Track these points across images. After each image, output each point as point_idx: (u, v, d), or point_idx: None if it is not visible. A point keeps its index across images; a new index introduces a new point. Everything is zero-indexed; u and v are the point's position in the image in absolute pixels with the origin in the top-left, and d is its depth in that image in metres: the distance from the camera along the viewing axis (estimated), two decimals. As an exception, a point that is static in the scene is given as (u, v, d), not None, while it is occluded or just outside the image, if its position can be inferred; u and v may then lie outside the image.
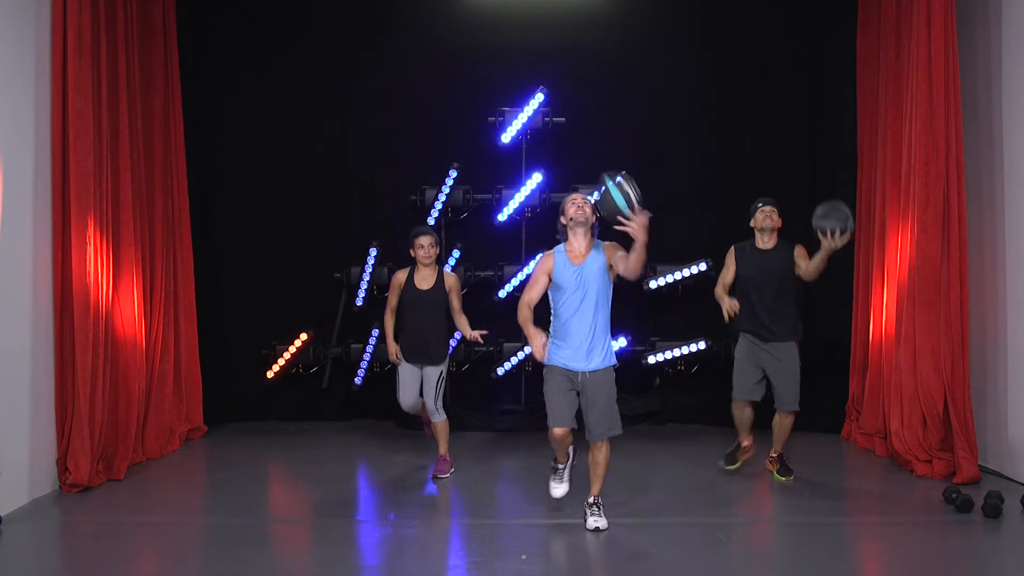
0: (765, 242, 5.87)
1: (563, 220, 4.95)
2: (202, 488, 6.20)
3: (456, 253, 7.79)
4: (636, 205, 4.68)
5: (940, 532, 4.92)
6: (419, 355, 6.02)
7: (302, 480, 6.12)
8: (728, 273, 5.96)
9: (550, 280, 4.88)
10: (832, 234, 5.44)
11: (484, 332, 6.07)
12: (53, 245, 5.70)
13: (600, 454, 4.93)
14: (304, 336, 7.80)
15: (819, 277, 5.75)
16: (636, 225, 4.64)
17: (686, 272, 7.73)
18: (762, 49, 7.94)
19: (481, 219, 7.96)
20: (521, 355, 7.74)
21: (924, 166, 5.94)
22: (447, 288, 6.06)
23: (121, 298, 6.28)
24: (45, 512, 5.34)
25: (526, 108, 7.73)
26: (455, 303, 6.09)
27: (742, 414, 5.96)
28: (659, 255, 7.78)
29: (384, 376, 7.85)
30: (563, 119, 7.80)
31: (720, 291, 5.96)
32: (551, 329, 4.95)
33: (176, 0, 7.22)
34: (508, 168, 7.94)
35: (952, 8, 5.92)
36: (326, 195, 8.03)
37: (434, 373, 6.03)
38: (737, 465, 6.05)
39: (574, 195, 5.02)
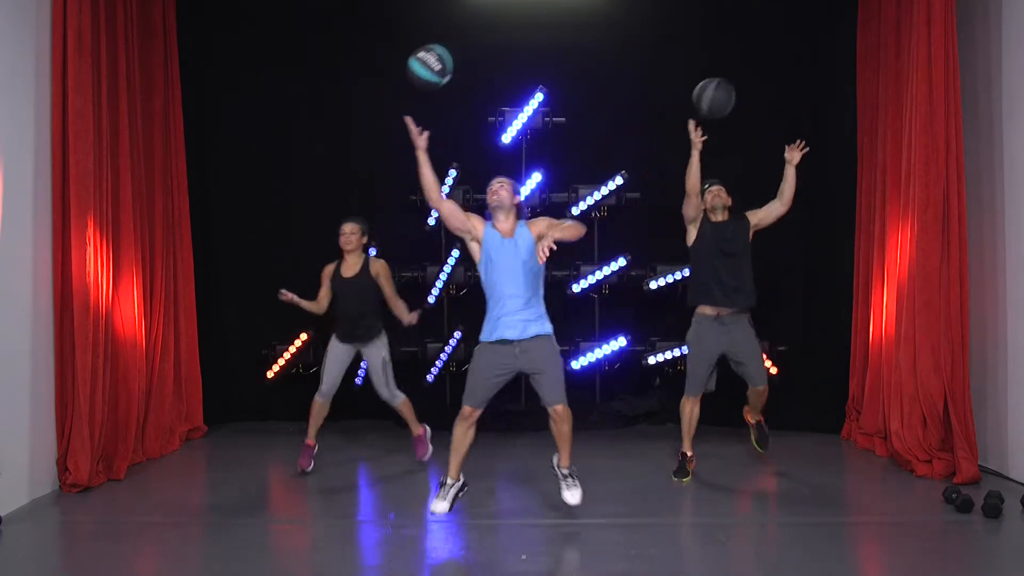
0: (718, 217, 5.92)
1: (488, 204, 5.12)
2: (202, 488, 6.20)
3: (456, 252, 7.79)
4: (442, 68, 4.91)
5: (940, 532, 4.92)
6: (350, 336, 6.21)
7: (302, 480, 6.11)
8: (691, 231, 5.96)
9: (478, 244, 5.00)
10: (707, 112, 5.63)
11: (418, 311, 6.37)
12: (53, 245, 5.70)
13: (564, 424, 4.91)
14: (304, 336, 7.80)
15: (794, 197, 5.94)
16: None
17: (686, 272, 7.71)
18: (762, 49, 7.94)
19: (481, 219, 7.95)
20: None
21: (924, 166, 5.94)
22: (373, 274, 6.20)
23: (121, 298, 6.28)
24: (45, 512, 5.34)
25: (526, 108, 7.73)
26: (387, 289, 6.25)
27: (692, 414, 5.92)
28: (659, 255, 7.81)
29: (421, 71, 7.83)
30: (563, 119, 7.80)
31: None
32: (486, 313, 4.99)
33: (176, 0, 7.22)
34: (508, 168, 7.93)
35: (952, 8, 5.92)
36: (326, 195, 8.03)
37: (375, 357, 6.20)
38: (688, 478, 5.94)
39: (494, 181, 5.16)
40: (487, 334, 4.95)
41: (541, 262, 4.75)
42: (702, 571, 4.39)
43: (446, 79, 4.81)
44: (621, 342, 7.71)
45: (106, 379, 5.91)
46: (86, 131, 5.74)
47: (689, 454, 5.99)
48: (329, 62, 8.01)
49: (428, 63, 4.85)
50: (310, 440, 6.24)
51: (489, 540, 4.82)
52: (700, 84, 5.73)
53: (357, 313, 6.18)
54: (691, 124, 5.91)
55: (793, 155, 5.90)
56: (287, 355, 7.81)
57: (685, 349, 7.67)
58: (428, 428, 6.46)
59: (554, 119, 7.79)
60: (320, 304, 6.29)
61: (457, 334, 7.79)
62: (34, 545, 4.90)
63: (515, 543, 4.72)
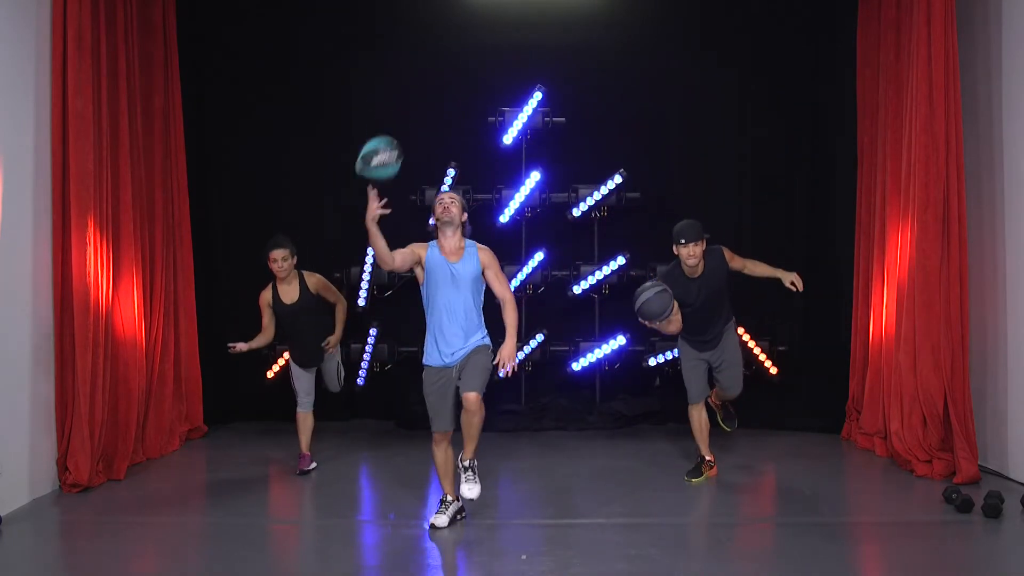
0: (694, 272, 5.65)
1: (433, 218, 5.04)
2: (202, 488, 6.20)
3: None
4: (386, 156, 4.81)
5: (940, 532, 4.92)
6: (310, 362, 6.28)
7: (302, 480, 6.11)
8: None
9: (421, 268, 4.96)
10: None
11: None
12: (53, 245, 5.70)
13: (475, 416, 4.87)
14: (304, 336, 7.79)
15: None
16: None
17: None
18: (762, 49, 7.93)
19: (481, 219, 7.94)
20: (520, 355, 7.73)
21: (924, 166, 5.94)
22: (313, 291, 6.18)
23: (121, 298, 6.29)
24: (45, 512, 5.34)
25: (526, 108, 7.73)
26: (331, 297, 6.28)
27: (701, 419, 5.95)
28: (659, 255, 7.80)
29: (384, 376, 7.86)
30: (563, 119, 7.80)
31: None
32: (427, 329, 4.99)
33: (176, 0, 7.22)
34: (508, 168, 7.95)
35: (952, 8, 5.92)
36: (326, 194, 8.02)
37: (331, 364, 6.36)
38: (702, 479, 5.94)
39: (442, 194, 5.07)
40: (430, 358, 4.96)
41: (506, 375, 4.80)
42: (702, 571, 4.39)
43: (396, 156, 4.77)
44: (621, 341, 7.71)
45: (106, 379, 5.91)
46: (86, 131, 5.74)
47: (708, 458, 5.99)
48: (329, 62, 8.01)
49: (384, 161, 4.79)
50: (304, 451, 6.26)
51: (489, 540, 4.82)
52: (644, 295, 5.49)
53: (311, 337, 6.19)
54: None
55: (789, 286, 5.72)
56: (287, 355, 7.79)
57: (678, 351, 7.72)
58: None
59: (554, 119, 7.79)
60: (267, 334, 6.22)
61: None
62: (34, 545, 4.90)
63: (515, 543, 4.72)
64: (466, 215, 5.02)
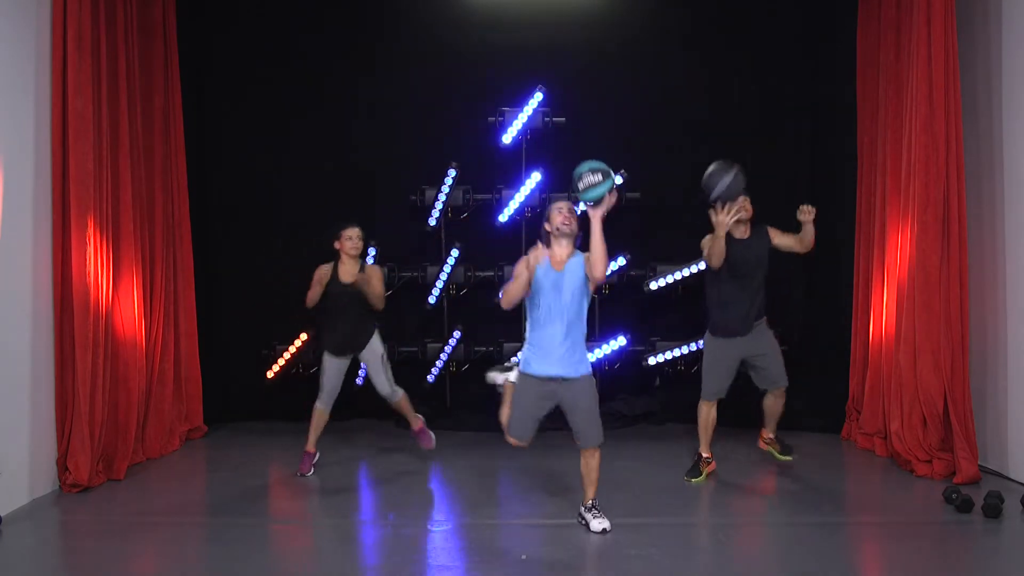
0: (741, 232, 5.83)
1: (547, 227, 4.92)
2: (202, 488, 6.20)
3: (455, 252, 7.79)
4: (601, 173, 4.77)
5: (940, 532, 4.92)
6: (348, 347, 6.18)
7: (302, 480, 6.11)
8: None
9: (529, 281, 4.84)
10: (724, 204, 5.46)
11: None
12: (53, 245, 5.70)
13: (592, 460, 4.94)
14: (304, 336, 7.80)
15: (815, 243, 5.83)
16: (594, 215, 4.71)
17: (686, 272, 7.73)
18: (762, 49, 7.94)
19: (481, 219, 7.96)
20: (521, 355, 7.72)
21: (924, 166, 5.94)
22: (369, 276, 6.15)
23: (121, 298, 6.29)
24: (45, 512, 5.34)
25: (526, 108, 7.73)
26: (379, 287, 6.19)
27: (709, 417, 5.92)
28: (659, 255, 7.82)
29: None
30: (563, 119, 7.80)
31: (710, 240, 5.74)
32: (527, 338, 4.94)
33: (176, 0, 7.22)
34: (508, 168, 7.95)
35: (952, 8, 5.92)
36: (326, 194, 8.03)
37: (374, 358, 6.20)
38: (702, 478, 5.93)
39: (560, 203, 4.95)
40: (527, 365, 4.87)
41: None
42: (702, 571, 4.39)
43: (602, 175, 4.70)
44: (621, 341, 7.71)
45: (106, 379, 5.91)
46: (86, 131, 5.74)
47: (705, 455, 5.98)
48: (329, 62, 8.01)
49: (590, 183, 4.73)
50: (310, 448, 6.24)
51: (489, 540, 4.82)
52: (711, 171, 5.56)
53: (355, 321, 6.14)
54: (715, 211, 5.63)
55: (805, 217, 5.77)
56: (287, 355, 7.81)
57: (684, 349, 7.73)
58: (423, 417, 6.45)
59: (554, 119, 7.79)
60: (309, 304, 6.19)
61: (456, 334, 7.79)
62: (34, 545, 4.90)
63: (515, 543, 4.72)
64: (580, 230, 4.91)
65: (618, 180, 7.67)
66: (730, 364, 5.84)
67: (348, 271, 6.15)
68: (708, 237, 5.73)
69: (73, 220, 5.69)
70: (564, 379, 4.81)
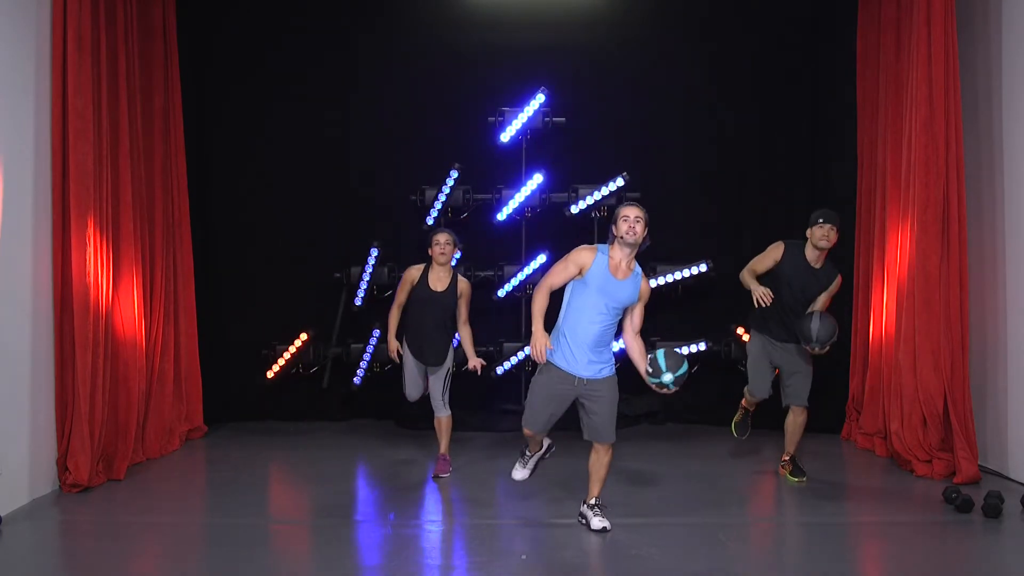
0: (816, 259, 5.68)
1: (615, 231, 4.74)
2: (202, 488, 6.20)
3: (457, 254, 7.77)
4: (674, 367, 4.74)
5: (940, 532, 4.92)
6: (424, 355, 6.04)
7: (302, 480, 6.12)
8: (762, 264, 5.73)
9: (579, 273, 4.71)
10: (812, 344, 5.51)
11: (483, 363, 6.07)
12: (53, 245, 5.70)
13: (605, 456, 4.91)
14: (304, 336, 7.80)
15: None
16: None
17: (686, 272, 7.73)
18: (762, 50, 7.94)
19: (481, 219, 7.96)
20: (521, 355, 7.73)
21: (924, 166, 5.94)
22: (459, 292, 6.02)
23: (121, 298, 6.28)
24: (45, 512, 5.34)
25: (526, 108, 7.73)
26: (463, 311, 6.04)
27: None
28: (659, 254, 7.81)
29: (384, 376, 7.85)
30: (563, 119, 7.80)
31: (749, 276, 5.71)
32: (559, 325, 4.83)
33: (176, 0, 7.22)
34: (508, 168, 7.95)
35: (952, 8, 5.92)
36: (326, 195, 8.03)
37: (442, 368, 6.07)
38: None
39: (630, 208, 4.75)
40: (556, 355, 4.76)
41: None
42: (702, 571, 4.39)
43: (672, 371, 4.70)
44: (622, 343, 7.69)
45: (106, 379, 5.91)
46: (86, 131, 5.74)
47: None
48: (329, 62, 8.01)
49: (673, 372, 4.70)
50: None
51: (489, 540, 4.81)
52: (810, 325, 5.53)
53: (433, 332, 5.99)
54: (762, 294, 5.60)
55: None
56: (287, 355, 7.81)
57: (684, 350, 7.73)
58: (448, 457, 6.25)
59: (554, 119, 7.79)
60: (400, 308, 6.04)
61: (458, 335, 7.77)
62: (34, 545, 4.90)
63: (515, 543, 4.72)
64: (648, 238, 4.80)
65: (620, 183, 7.69)
66: (765, 362, 5.89)
67: (439, 279, 6.01)
68: (748, 274, 5.75)
69: (73, 220, 5.68)
70: (585, 379, 4.78)
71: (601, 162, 7.84)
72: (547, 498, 5.55)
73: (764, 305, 5.57)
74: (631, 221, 4.68)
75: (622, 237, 4.69)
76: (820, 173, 7.84)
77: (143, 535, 4.96)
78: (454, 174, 7.73)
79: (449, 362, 6.09)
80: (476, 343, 7.90)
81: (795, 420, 5.90)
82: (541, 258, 7.74)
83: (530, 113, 7.73)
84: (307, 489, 5.97)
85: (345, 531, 5.08)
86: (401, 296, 6.04)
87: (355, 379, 7.79)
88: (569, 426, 4.86)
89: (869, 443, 6.76)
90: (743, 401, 6.21)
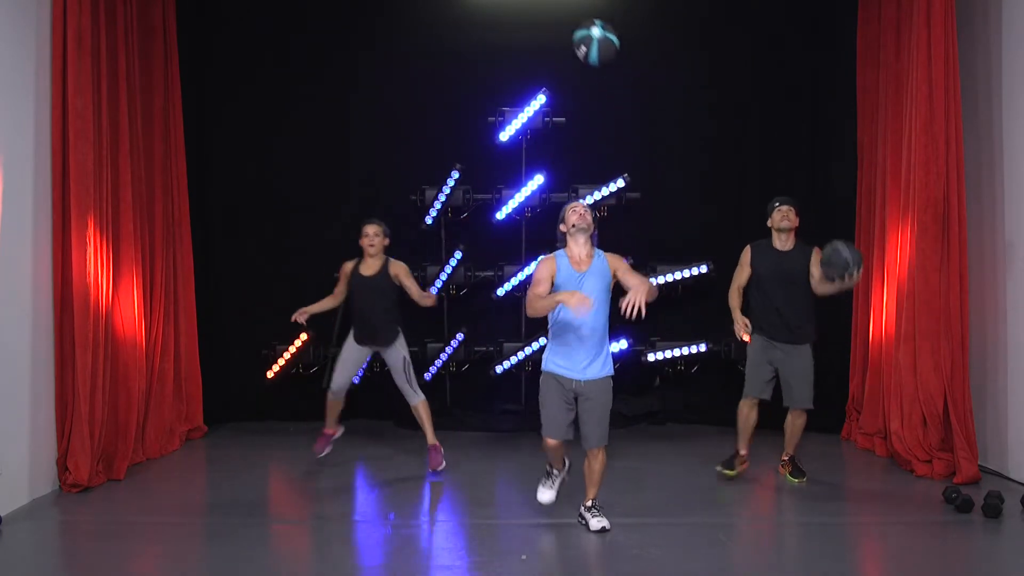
0: (783, 243, 5.80)
1: (563, 228, 4.90)
2: (202, 488, 6.20)
3: (458, 255, 7.79)
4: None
5: (940, 532, 4.92)
6: (367, 338, 6.24)
7: (302, 480, 6.12)
8: (742, 274, 5.89)
9: (551, 283, 4.80)
10: (839, 279, 5.34)
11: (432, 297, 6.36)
12: (53, 245, 5.70)
13: (597, 462, 4.94)
14: (304, 336, 7.80)
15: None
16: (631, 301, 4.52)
17: (686, 272, 7.73)
18: (762, 50, 7.94)
19: (481, 219, 7.96)
20: (521, 355, 7.73)
21: (924, 166, 5.94)
22: (393, 274, 6.22)
23: (121, 298, 6.28)
24: (45, 512, 5.34)
25: (527, 108, 7.72)
26: (413, 289, 6.25)
27: (749, 416, 5.90)
28: (659, 254, 7.82)
29: (383, 376, 7.85)
30: (563, 119, 7.80)
31: (734, 300, 5.87)
32: (549, 335, 4.92)
33: (176, 0, 7.22)
34: (508, 168, 7.95)
35: (952, 8, 5.92)
36: (326, 195, 8.03)
37: (395, 358, 6.23)
38: (734, 473, 5.96)
39: (574, 203, 4.98)
40: (550, 362, 4.84)
41: (629, 317, 4.50)
42: (702, 571, 4.39)
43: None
44: (622, 344, 7.71)
45: (106, 379, 5.91)
46: (86, 131, 5.74)
47: (743, 452, 5.99)
48: (329, 61, 8.01)
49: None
50: (328, 429, 6.34)
51: (489, 540, 4.82)
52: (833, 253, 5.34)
53: (373, 314, 6.20)
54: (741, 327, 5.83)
55: (847, 285, 5.51)
56: (287, 355, 7.80)
57: (684, 350, 7.73)
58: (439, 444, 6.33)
59: (554, 119, 7.79)
60: (336, 298, 6.35)
61: (459, 336, 7.78)
62: (34, 545, 4.90)
63: (515, 543, 4.72)
64: (595, 226, 4.90)
65: (620, 184, 7.69)
66: (766, 361, 5.83)
67: (369, 266, 6.26)
68: (733, 294, 5.93)
69: (73, 220, 5.68)
70: (582, 381, 4.80)
71: (601, 162, 7.84)
72: (547, 498, 5.54)
73: (742, 340, 5.84)
74: (580, 211, 4.88)
75: (574, 225, 4.83)
76: (820, 173, 7.84)
77: (143, 535, 4.96)
78: (455, 174, 7.73)
79: (402, 348, 6.26)
80: (476, 343, 7.92)
81: (794, 422, 5.90)
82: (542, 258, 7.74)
83: (530, 113, 7.73)
84: (307, 489, 5.97)
85: (345, 531, 5.08)
86: (337, 288, 6.34)
87: (354, 379, 7.77)
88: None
89: (869, 443, 6.76)
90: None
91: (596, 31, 4.73)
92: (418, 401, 6.29)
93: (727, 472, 5.96)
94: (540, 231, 7.90)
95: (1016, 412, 5.89)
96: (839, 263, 5.23)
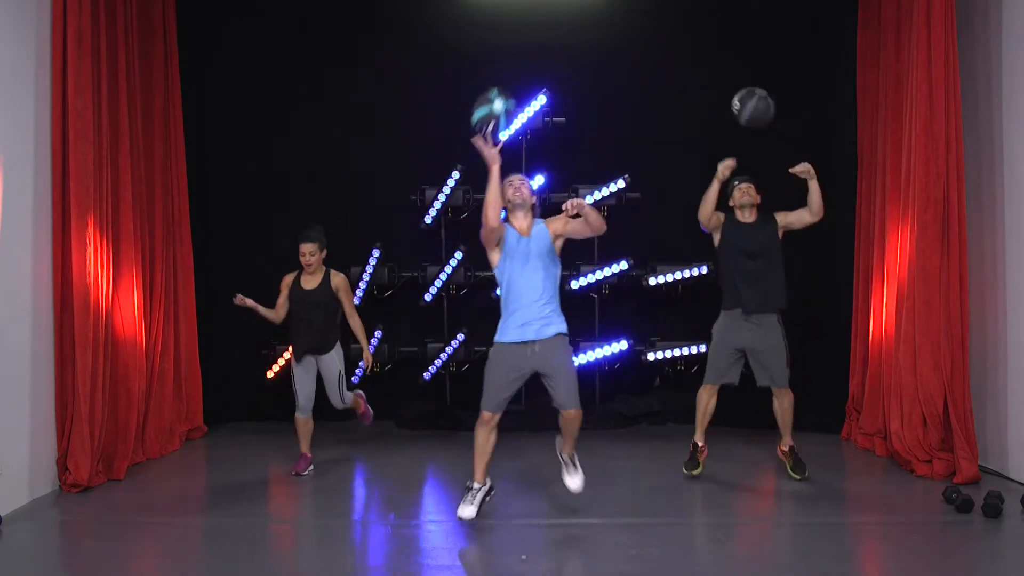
0: (746, 217, 5.92)
1: (503, 202, 5.05)
2: (202, 488, 6.20)
3: (458, 255, 7.79)
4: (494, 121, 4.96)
5: (940, 532, 4.92)
6: (309, 349, 6.16)
7: (301, 480, 6.11)
8: (715, 215, 5.88)
9: (498, 246, 4.99)
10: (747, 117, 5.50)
11: (371, 360, 6.48)
12: (53, 245, 5.70)
13: (573, 423, 4.95)
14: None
15: (824, 206, 5.78)
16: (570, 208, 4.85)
17: (686, 273, 7.73)
18: (762, 50, 7.93)
19: (481, 219, 7.94)
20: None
21: (924, 166, 5.94)
22: (333, 287, 6.18)
23: (121, 298, 6.29)
24: (45, 512, 5.34)
25: (527, 108, 7.73)
26: (347, 305, 6.24)
27: (708, 404, 5.90)
28: (659, 254, 7.82)
29: (383, 376, 7.86)
30: (563, 119, 7.80)
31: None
32: (503, 308, 4.99)
33: (176, 0, 7.22)
34: (509, 168, 7.90)
35: (952, 8, 5.91)
36: (326, 195, 8.03)
37: (332, 370, 6.18)
38: (700, 469, 5.94)
39: (511, 177, 5.14)
40: (503, 334, 4.94)
41: (569, 212, 4.82)
42: (702, 571, 4.39)
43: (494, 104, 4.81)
44: (623, 345, 7.72)
45: (106, 379, 5.91)
46: (86, 131, 5.74)
47: (700, 444, 5.96)
48: (329, 61, 8.02)
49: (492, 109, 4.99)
50: (305, 452, 6.26)
51: (489, 540, 4.81)
52: (742, 94, 5.61)
53: (313, 326, 6.14)
54: (724, 164, 5.83)
55: (804, 173, 5.72)
56: (287, 355, 7.79)
57: (684, 350, 7.73)
58: (362, 393, 6.60)
59: (554, 119, 7.79)
60: (278, 312, 6.22)
61: (460, 336, 7.78)
62: (34, 545, 4.90)
63: (515, 543, 4.72)
64: (535, 197, 5.16)
65: (621, 184, 7.69)
66: (730, 347, 5.82)
67: (309, 281, 6.20)
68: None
69: (73, 220, 5.69)
70: (537, 341, 4.86)
71: (601, 162, 7.84)
72: (547, 498, 5.55)
73: (725, 174, 5.80)
74: (516, 184, 5.11)
75: (510, 200, 5.06)
76: (820, 173, 7.81)
77: (143, 535, 4.96)
78: (456, 174, 7.73)
79: (338, 359, 6.21)
80: (476, 342, 7.90)
81: (781, 404, 5.88)
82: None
83: (531, 113, 7.73)
84: (307, 489, 5.97)
85: (345, 531, 5.08)
86: (279, 301, 6.24)
87: (352, 378, 7.78)
88: (552, 426, 4.92)
89: (869, 443, 6.76)
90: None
91: (498, 105, 4.84)
92: (350, 399, 6.34)
93: (692, 472, 5.91)
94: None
95: (1016, 412, 5.89)
96: (752, 107, 5.51)
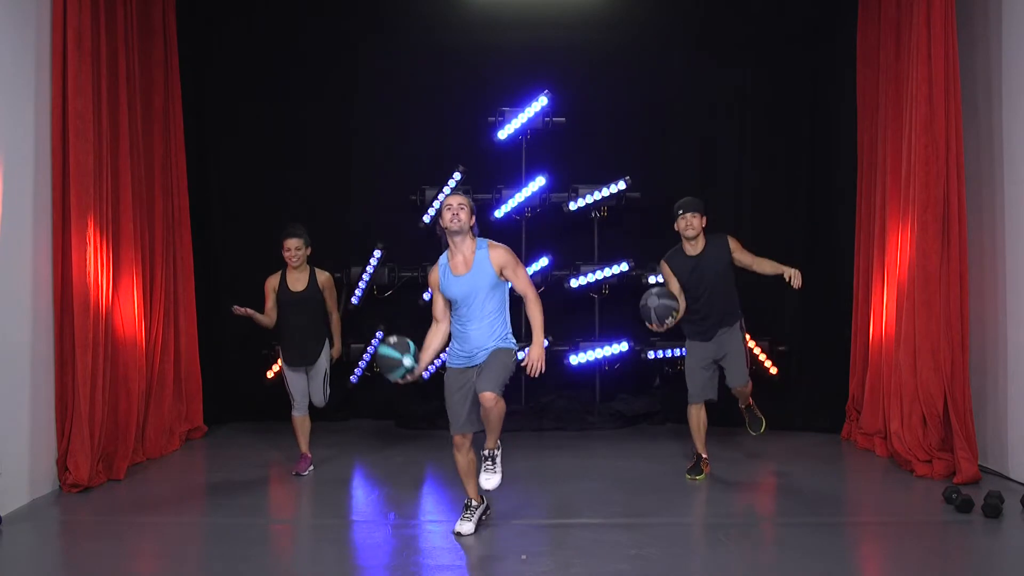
0: (694, 247, 5.87)
1: (440, 225, 4.74)
2: (202, 488, 6.20)
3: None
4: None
5: (940, 532, 4.92)
6: (300, 358, 6.14)
7: (301, 480, 6.11)
8: (671, 284, 5.93)
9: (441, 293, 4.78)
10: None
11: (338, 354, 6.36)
12: (53, 245, 5.70)
13: (490, 412, 4.64)
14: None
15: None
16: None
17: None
18: (762, 49, 7.94)
19: (481, 218, 7.91)
20: (521, 355, 7.71)
21: (924, 166, 5.93)
22: (321, 286, 6.15)
23: (121, 298, 6.29)
24: (45, 512, 5.34)
25: (528, 109, 7.73)
26: (330, 303, 6.21)
27: (699, 420, 5.99)
28: (660, 254, 7.80)
29: (383, 377, 7.85)
30: (563, 119, 7.80)
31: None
32: (452, 331, 4.86)
33: (176, 0, 7.22)
34: (508, 168, 7.95)
35: (952, 8, 5.91)
36: (326, 195, 8.03)
37: (319, 367, 6.18)
38: (703, 476, 5.98)
39: (449, 198, 4.72)
40: (451, 359, 4.85)
41: (533, 374, 4.62)
42: (702, 571, 4.39)
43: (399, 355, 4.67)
44: (623, 345, 7.72)
45: (106, 379, 5.91)
46: (86, 131, 5.74)
47: (704, 456, 6.03)
48: (329, 62, 8.02)
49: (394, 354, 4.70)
50: (305, 452, 6.25)
51: (489, 540, 4.81)
52: (644, 312, 5.72)
53: (304, 331, 6.10)
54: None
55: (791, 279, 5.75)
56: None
57: (685, 350, 7.72)
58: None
59: (554, 119, 7.79)
60: (269, 317, 6.15)
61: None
62: (34, 545, 4.90)
63: (515, 543, 4.72)
64: (474, 217, 4.75)
65: (621, 186, 7.69)
66: (704, 366, 5.94)
67: (297, 279, 6.14)
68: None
69: (73, 220, 5.69)
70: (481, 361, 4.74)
71: (601, 162, 7.84)
72: (546, 498, 5.55)
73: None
74: (454, 209, 4.65)
75: (447, 227, 4.66)
76: (820, 173, 7.84)
77: (143, 535, 4.96)
78: (457, 175, 7.73)
79: (324, 360, 6.20)
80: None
81: (739, 390, 6.07)
82: (543, 261, 7.74)
83: (531, 114, 7.73)
84: (307, 489, 5.97)
85: (345, 531, 5.08)
86: (267, 306, 6.15)
87: (352, 378, 7.79)
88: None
89: (869, 443, 6.76)
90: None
91: (407, 361, 4.66)
92: (322, 404, 6.30)
93: (697, 478, 5.95)
94: (540, 231, 7.92)
95: (1016, 412, 5.89)
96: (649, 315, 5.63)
